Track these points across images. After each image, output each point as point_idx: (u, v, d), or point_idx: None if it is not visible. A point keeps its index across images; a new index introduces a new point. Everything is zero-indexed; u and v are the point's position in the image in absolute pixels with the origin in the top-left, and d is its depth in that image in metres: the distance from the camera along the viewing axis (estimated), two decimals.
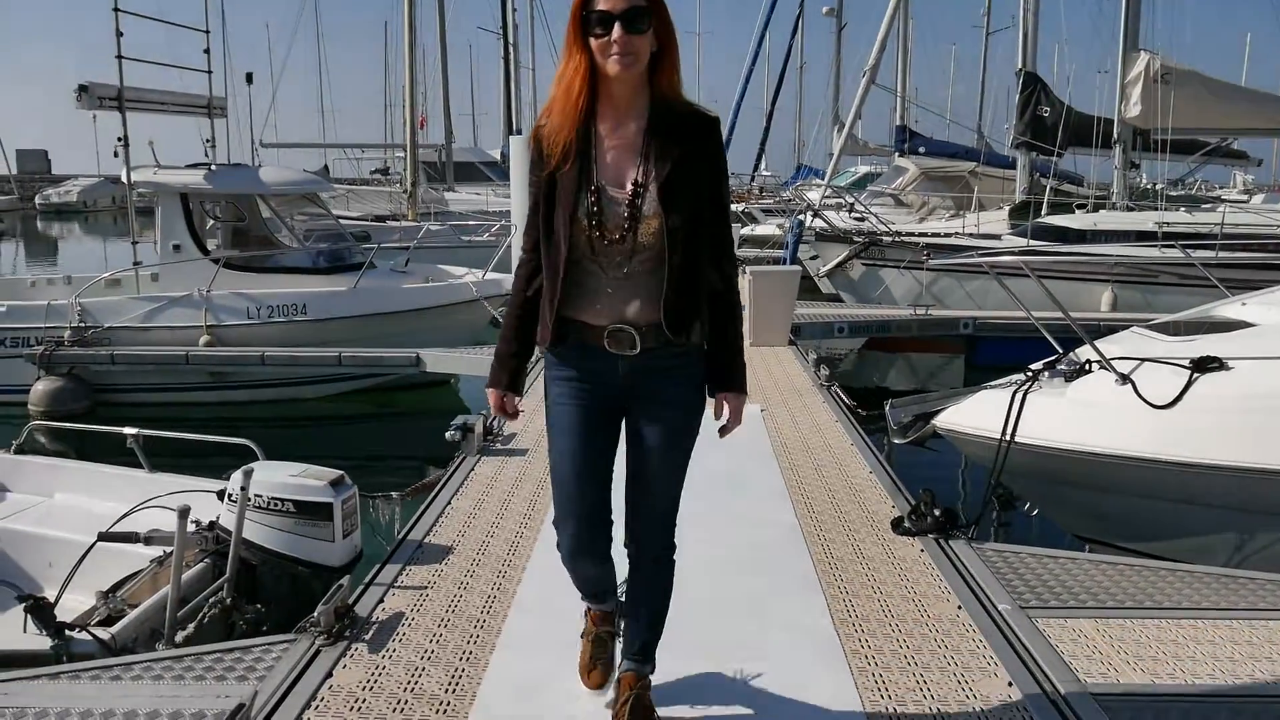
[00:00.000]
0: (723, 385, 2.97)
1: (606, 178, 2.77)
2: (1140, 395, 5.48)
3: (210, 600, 4.61)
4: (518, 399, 3.06)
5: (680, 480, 2.98)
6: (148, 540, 4.87)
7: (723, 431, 2.98)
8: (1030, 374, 5.95)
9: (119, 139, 12.24)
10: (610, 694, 3.27)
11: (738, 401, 2.97)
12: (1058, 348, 6.34)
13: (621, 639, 3.24)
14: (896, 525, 5.15)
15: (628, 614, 3.19)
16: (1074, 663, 3.71)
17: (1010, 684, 3.55)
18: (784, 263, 14.76)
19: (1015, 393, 5.57)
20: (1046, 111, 19.22)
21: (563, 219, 2.77)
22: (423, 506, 5.54)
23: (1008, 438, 5.33)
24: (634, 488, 2.98)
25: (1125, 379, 5.63)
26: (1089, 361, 6.00)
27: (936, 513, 5.05)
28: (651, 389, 2.90)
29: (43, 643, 4.12)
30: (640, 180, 2.75)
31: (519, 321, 2.98)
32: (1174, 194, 22.04)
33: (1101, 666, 3.69)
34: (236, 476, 4.76)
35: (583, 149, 2.76)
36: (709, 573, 4.54)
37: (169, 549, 4.69)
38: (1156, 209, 16.99)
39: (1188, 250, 9.82)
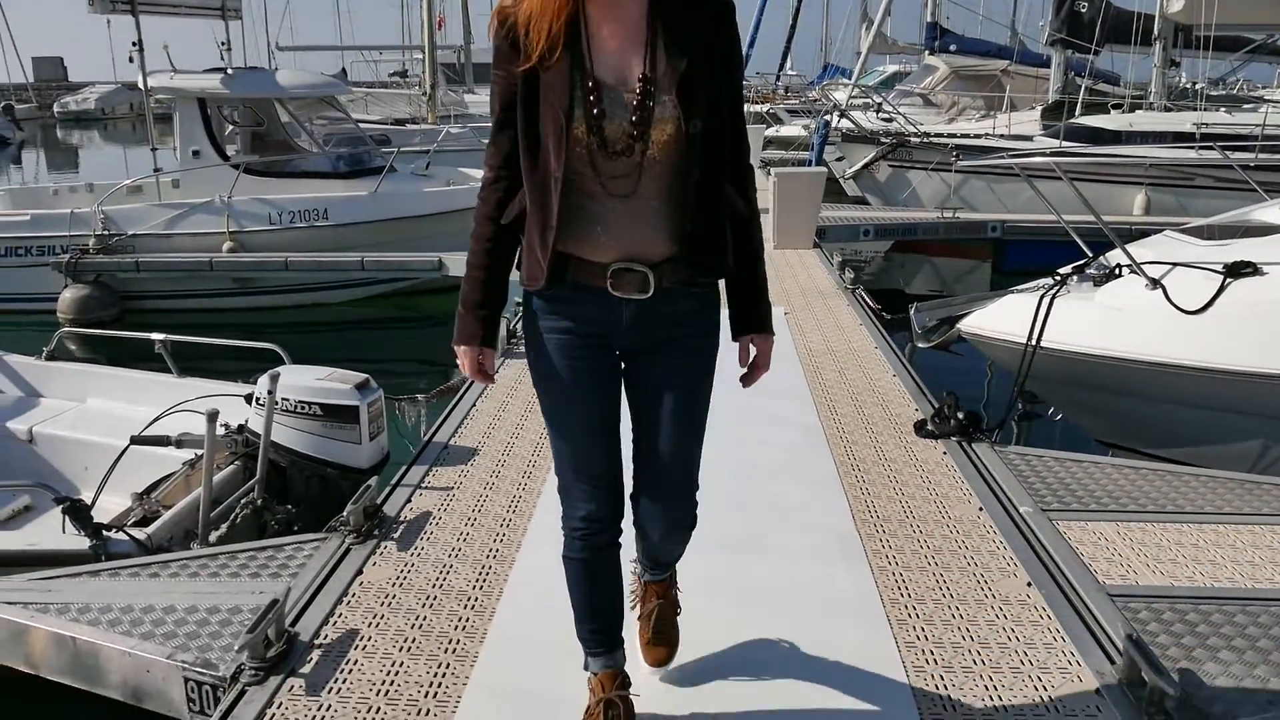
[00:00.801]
0: (750, 327, 2.55)
1: (605, 72, 2.23)
2: (1171, 300, 5.44)
3: (242, 501, 4.73)
4: (496, 355, 2.61)
5: (701, 439, 2.57)
6: (179, 443, 4.98)
7: (748, 380, 2.60)
8: (1059, 278, 5.91)
9: (133, 44, 12.15)
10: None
11: (767, 344, 2.57)
12: (1087, 251, 6.29)
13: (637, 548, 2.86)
14: (919, 428, 5.19)
15: (644, 555, 2.87)
16: (1093, 564, 3.76)
17: (1029, 584, 3.62)
18: (809, 164, 14.58)
19: (1042, 297, 5.55)
20: (1084, 7, 18.71)
21: (552, 126, 2.23)
22: (448, 409, 5.62)
23: (1033, 342, 5.32)
24: (648, 457, 2.54)
25: (1156, 283, 5.59)
26: (1119, 265, 5.96)
27: (959, 416, 5.08)
28: (664, 338, 2.44)
29: (81, 543, 4.25)
30: (648, 74, 2.22)
31: (490, 259, 2.43)
32: (1214, 94, 21.49)
33: (1120, 569, 3.75)
34: (264, 380, 4.84)
35: (572, 36, 2.22)
36: (730, 472, 4.61)
37: (200, 452, 4.80)
38: (1195, 109, 16.61)
39: (1226, 152, 9.64)
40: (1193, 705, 2.87)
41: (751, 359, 2.58)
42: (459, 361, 2.49)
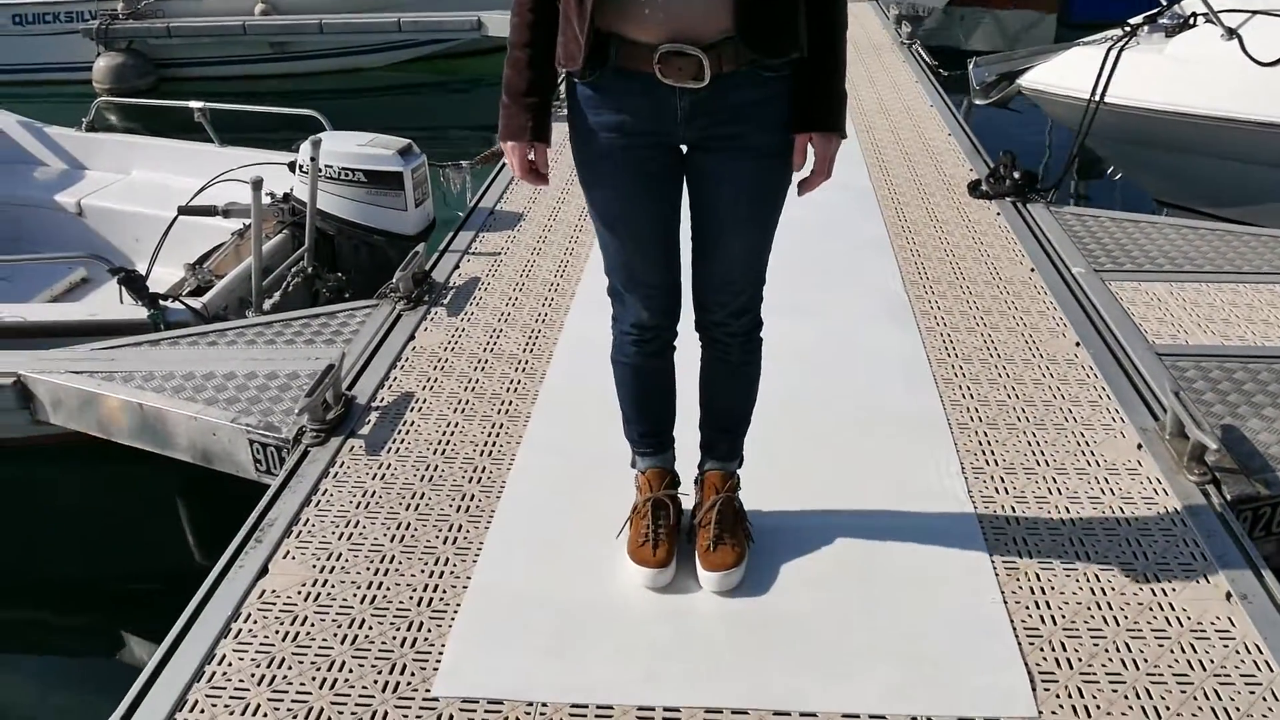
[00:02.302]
0: (813, 123, 2.14)
1: None
2: (1246, 51, 5.18)
3: (292, 269, 4.81)
4: (547, 151, 2.25)
5: (769, 246, 2.31)
6: (226, 213, 5.03)
7: (805, 187, 2.23)
8: (1128, 29, 5.62)
9: None
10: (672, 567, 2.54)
11: (830, 147, 2.17)
12: (1161, 0, 5.95)
13: (700, 436, 2.60)
14: (973, 188, 5.10)
15: (705, 410, 2.57)
16: (1144, 324, 3.77)
17: (1078, 344, 3.64)
18: None
19: (1109, 49, 5.29)
20: None
21: None
22: (492, 174, 5.59)
23: (1097, 97, 5.13)
24: (710, 261, 2.30)
25: (1232, 33, 5.30)
26: (1194, 15, 5.65)
27: (1015, 175, 4.98)
28: (729, 135, 2.13)
29: (139, 313, 4.37)
30: None
31: (535, 34, 2.11)
32: None
33: (1171, 328, 3.75)
34: (305, 147, 4.82)
35: None
36: (786, 232, 4.58)
37: (247, 221, 4.85)
38: None
39: None
40: (1231, 459, 2.93)
41: (811, 163, 2.20)
42: (507, 161, 2.25)
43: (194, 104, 6.17)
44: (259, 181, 4.53)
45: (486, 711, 2.17)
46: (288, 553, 2.67)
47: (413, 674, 2.27)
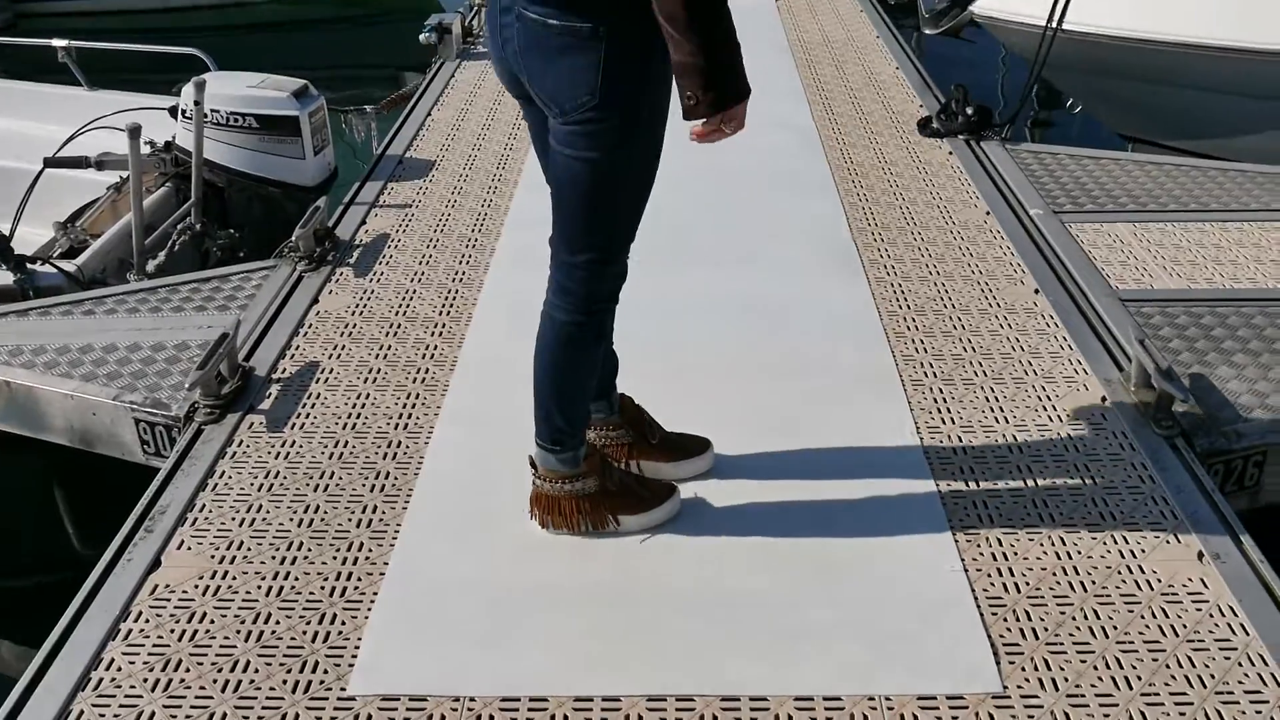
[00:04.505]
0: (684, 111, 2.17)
1: None
2: None
3: (178, 227, 4.70)
4: None
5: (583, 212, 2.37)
6: (100, 165, 4.90)
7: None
8: None
9: None
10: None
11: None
12: None
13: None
14: (924, 126, 5.13)
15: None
16: (1106, 268, 3.83)
17: (1037, 291, 3.69)
18: None
19: None
20: None
21: None
22: (400, 119, 5.52)
23: (1054, 24, 5.17)
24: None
25: None
26: None
27: (969, 111, 5.01)
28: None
29: (3, 278, 4.24)
30: None
31: None
32: None
33: (1135, 272, 3.82)
34: (188, 90, 4.70)
35: None
36: (714, 181, 4.58)
37: (124, 174, 4.73)
38: None
39: None
40: (1201, 409, 3.00)
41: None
42: (737, 117, 2.18)
43: (57, 42, 5.99)
44: (136, 129, 4.41)
45: (409, 709, 2.16)
46: (182, 543, 2.62)
47: (326, 671, 2.24)
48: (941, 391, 3.17)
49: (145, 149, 4.68)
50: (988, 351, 3.36)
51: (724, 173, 4.69)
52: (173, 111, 5.01)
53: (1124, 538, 2.57)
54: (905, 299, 3.70)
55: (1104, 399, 3.10)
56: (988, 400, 3.12)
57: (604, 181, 2.29)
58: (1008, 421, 3.02)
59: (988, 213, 4.31)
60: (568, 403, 2.51)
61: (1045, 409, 3.07)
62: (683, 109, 2.17)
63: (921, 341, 3.43)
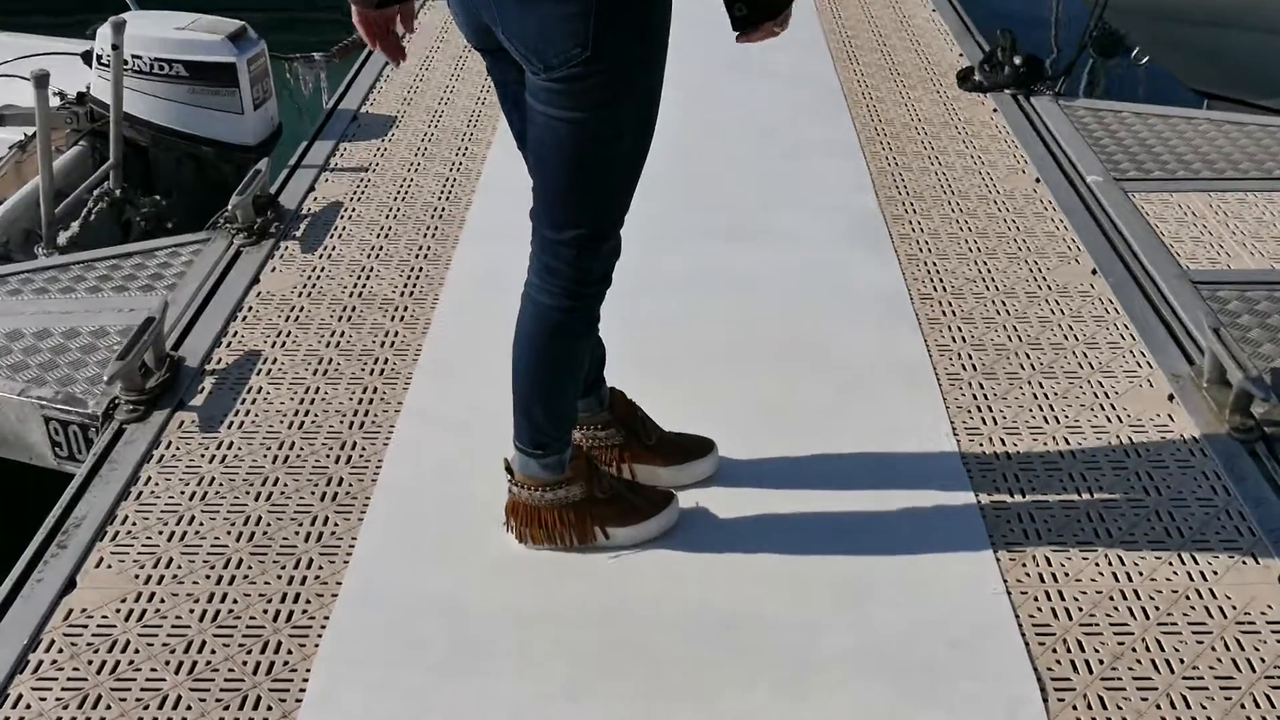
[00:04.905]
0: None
1: None
2: None
3: (94, 193, 4.71)
4: (415, 12, 2.41)
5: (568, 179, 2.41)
6: (0, 119, 4.90)
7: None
8: None
9: None
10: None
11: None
12: None
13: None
14: (964, 78, 5.15)
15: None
16: (1176, 245, 3.85)
17: (1094, 271, 3.72)
18: None
19: None
20: None
21: None
22: (354, 69, 5.51)
23: None
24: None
25: None
26: None
27: (1016, 61, 5.03)
28: None
29: None
30: None
31: None
32: None
33: (1209, 250, 3.84)
34: (104, 31, 4.70)
35: None
36: (723, 144, 4.61)
37: (30, 130, 4.73)
38: None
39: None
40: None
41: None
42: (356, 25, 2.39)
43: None
44: (44, 77, 4.40)
45: None
46: (101, 560, 2.64)
47: (270, 708, 2.26)
48: (982, 387, 3.20)
49: (54, 101, 4.68)
50: (1036, 341, 3.39)
51: (732, 132, 4.70)
52: (86, 57, 5.01)
53: (1193, 557, 2.60)
54: (941, 279, 3.72)
55: (1171, 397, 3.13)
56: (1035, 398, 3.15)
57: (593, 146, 2.29)
58: (1059, 422, 3.05)
59: (1037, 180, 4.34)
60: (552, 400, 2.53)
61: (1102, 408, 3.10)
62: (733, 22, 2.19)
63: (959, 329, 3.46)
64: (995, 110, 4.91)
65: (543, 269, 2.43)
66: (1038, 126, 4.75)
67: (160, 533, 2.72)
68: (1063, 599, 2.49)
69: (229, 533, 2.72)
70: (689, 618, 2.46)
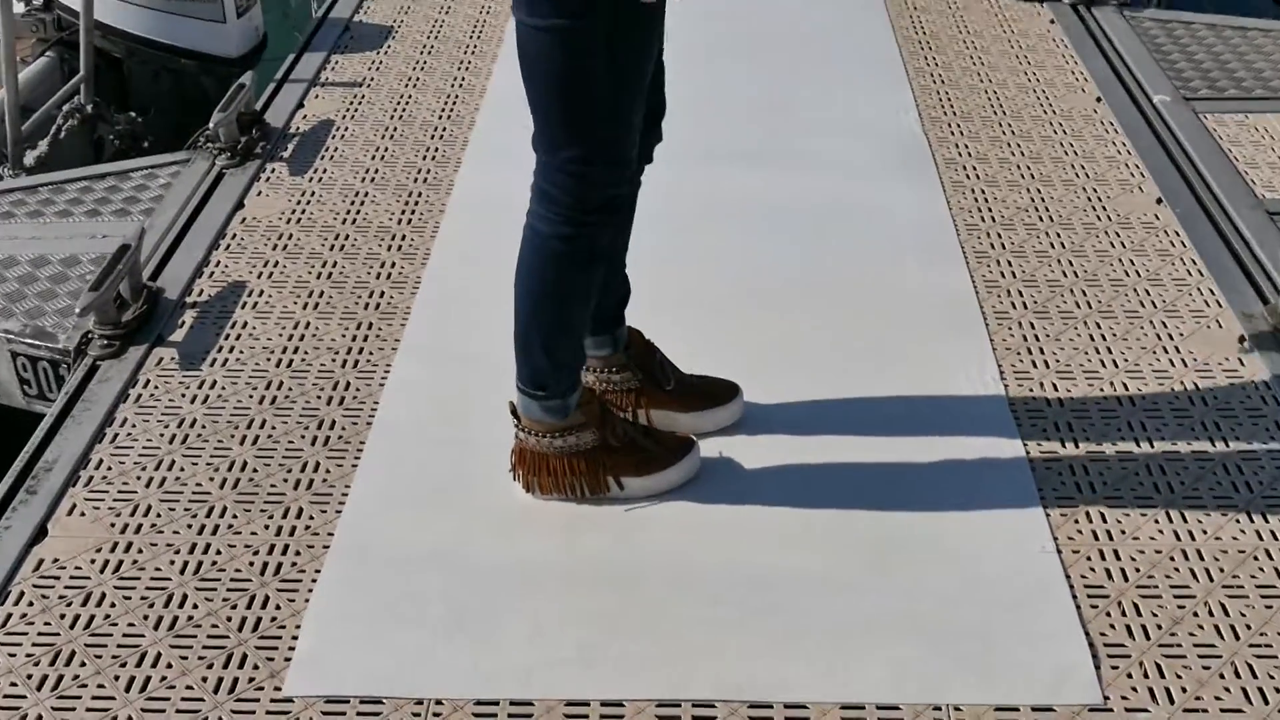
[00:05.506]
0: None
1: None
2: None
3: (64, 109, 4.70)
4: None
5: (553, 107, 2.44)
6: None
7: None
8: None
9: None
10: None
11: None
12: None
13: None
14: None
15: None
16: (1251, 172, 3.82)
17: (1159, 200, 3.69)
18: None
19: None
20: None
21: None
22: None
23: None
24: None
25: None
26: None
27: None
28: None
29: None
30: None
31: None
32: None
33: None
34: None
35: None
36: (747, 58, 4.59)
37: None
38: None
39: None
40: None
41: None
42: None
43: None
44: None
45: (359, 714, 2.19)
46: (74, 507, 2.66)
47: (256, 667, 2.28)
48: (1033, 327, 3.18)
49: (18, 7, 4.66)
50: (1093, 277, 3.37)
51: (759, 47, 4.66)
52: None
53: (1262, 515, 2.59)
54: (989, 208, 3.70)
55: (1242, 340, 3.11)
56: (1092, 339, 3.14)
57: (574, 57, 2.29)
58: (1117, 366, 3.04)
59: (1098, 99, 4.30)
60: (551, 336, 2.53)
61: (1165, 350, 3.09)
62: None
63: (1009, 263, 3.44)
64: (1052, 21, 4.87)
65: (541, 195, 2.45)
66: (1099, 39, 4.71)
67: (138, 478, 2.73)
68: (1118, 559, 2.49)
69: (212, 479, 2.73)
70: (711, 576, 2.46)
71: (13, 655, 2.32)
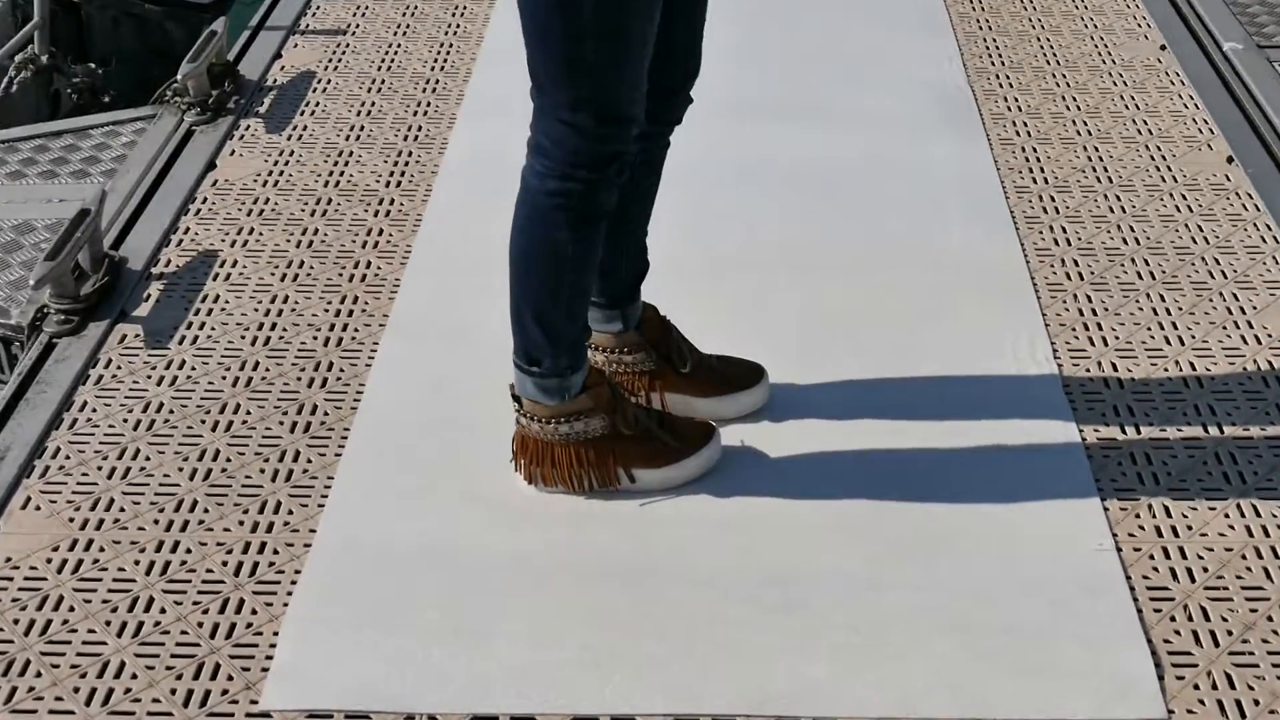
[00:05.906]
0: None
1: None
2: None
3: (15, 59, 4.70)
4: None
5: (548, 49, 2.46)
6: None
7: None
8: None
9: None
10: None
11: None
12: None
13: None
14: None
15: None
16: None
17: (1230, 159, 3.68)
18: None
19: None
20: None
21: None
22: None
23: None
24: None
25: None
26: None
27: None
28: None
29: None
30: None
31: None
32: None
33: None
34: None
35: None
36: (785, 16, 4.56)
37: None
38: None
39: None
40: None
41: None
42: None
43: None
44: None
45: None
46: (28, 500, 2.66)
47: (230, 677, 2.28)
48: (1090, 300, 3.17)
49: None
50: (1157, 244, 3.36)
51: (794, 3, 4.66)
52: None
53: None
54: (1041, 168, 3.68)
55: None
56: (1155, 313, 3.12)
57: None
58: (1182, 343, 3.03)
59: (1162, 46, 4.28)
60: (545, 305, 2.52)
61: (1237, 326, 3.08)
62: None
63: (1063, 229, 3.43)
64: None
65: (533, 145, 2.46)
66: None
67: (99, 468, 2.74)
68: (1184, 557, 2.48)
69: (181, 469, 2.73)
70: (730, 572, 2.46)
71: None
